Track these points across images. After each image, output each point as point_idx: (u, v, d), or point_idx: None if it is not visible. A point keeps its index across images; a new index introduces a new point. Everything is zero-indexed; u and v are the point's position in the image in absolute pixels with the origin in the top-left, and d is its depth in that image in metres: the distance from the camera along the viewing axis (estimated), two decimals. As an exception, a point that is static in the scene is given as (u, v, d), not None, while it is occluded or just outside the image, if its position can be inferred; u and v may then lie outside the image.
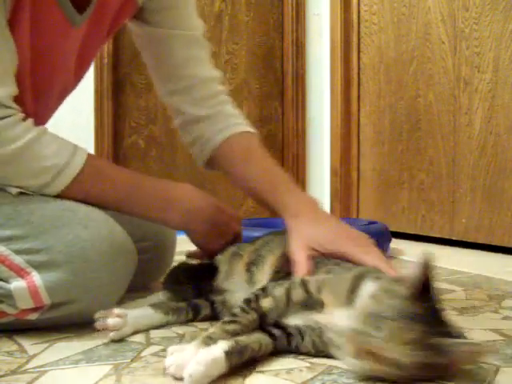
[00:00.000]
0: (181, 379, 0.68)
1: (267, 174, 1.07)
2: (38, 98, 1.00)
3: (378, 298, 0.72)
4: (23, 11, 0.89)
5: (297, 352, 0.79)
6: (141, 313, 0.91)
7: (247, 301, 0.81)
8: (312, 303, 0.79)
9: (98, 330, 0.87)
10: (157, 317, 0.92)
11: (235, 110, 1.16)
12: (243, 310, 0.79)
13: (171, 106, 1.16)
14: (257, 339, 0.75)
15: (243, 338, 0.74)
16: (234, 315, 0.79)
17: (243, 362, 0.73)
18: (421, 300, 0.70)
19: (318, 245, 0.92)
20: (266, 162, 1.10)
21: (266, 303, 0.80)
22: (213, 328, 0.76)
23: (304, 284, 0.81)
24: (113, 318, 0.86)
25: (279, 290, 0.81)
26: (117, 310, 0.87)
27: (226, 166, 1.11)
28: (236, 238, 1.08)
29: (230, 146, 1.10)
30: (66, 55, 1.03)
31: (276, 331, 0.78)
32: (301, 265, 0.89)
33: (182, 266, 1.09)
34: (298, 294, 0.80)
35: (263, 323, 0.79)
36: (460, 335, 0.71)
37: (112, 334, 0.85)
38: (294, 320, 0.79)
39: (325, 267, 0.88)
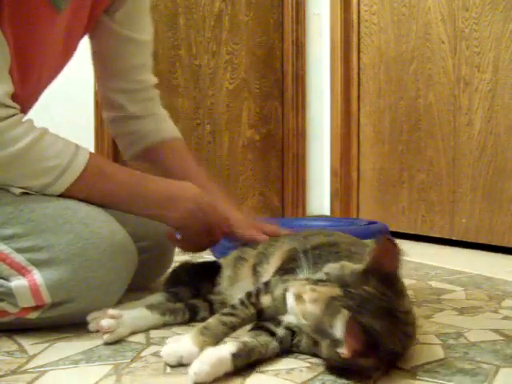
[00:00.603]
0: (172, 367, 0.74)
1: (192, 173, 1.22)
2: (25, 85, 0.99)
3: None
4: (2, 7, 0.88)
5: (297, 351, 0.79)
6: (137, 314, 0.90)
7: (248, 295, 0.83)
8: None
9: (97, 331, 0.87)
10: (153, 318, 0.92)
11: (166, 113, 1.29)
12: (242, 303, 0.81)
13: (110, 100, 1.23)
14: (264, 342, 0.76)
15: (251, 341, 0.74)
16: (233, 308, 0.81)
17: (249, 364, 0.73)
18: (362, 278, 0.72)
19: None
20: (194, 166, 1.25)
21: (265, 300, 0.82)
22: (210, 319, 0.78)
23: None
24: (106, 320, 0.85)
25: (279, 289, 0.82)
26: (111, 311, 0.86)
27: (156, 161, 1.23)
28: (222, 236, 1.09)
29: (162, 147, 1.23)
30: (52, 41, 1.02)
31: (280, 331, 0.78)
32: None
33: (185, 266, 1.09)
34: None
35: (260, 318, 0.81)
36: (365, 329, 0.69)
37: (106, 337, 0.84)
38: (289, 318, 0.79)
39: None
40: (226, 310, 0.81)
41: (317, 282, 0.74)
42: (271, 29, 2.68)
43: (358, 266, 0.75)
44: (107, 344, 0.84)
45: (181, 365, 0.74)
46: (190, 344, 0.75)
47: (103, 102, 1.26)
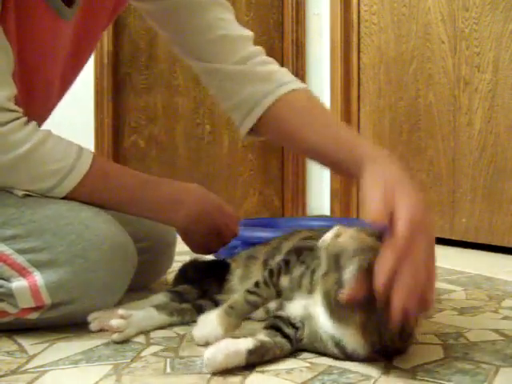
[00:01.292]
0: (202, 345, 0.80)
1: (329, 127, 0.96)
2: (31, 94, 0.99)
3: None
4: (8, 9, 0.88)
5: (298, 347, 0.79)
6: (144, 314, 0.91)
7: (270, 273, 0.85)
8: (312, 290, 0.80)
9: (99, 331, 0.87)
10: (160, 318, 0.92)
11: (281, 68, 1.05)
12: (265, 283, 0.84)
13: (206, 71, 1.05)
14: (280, 344, 0.77)
15: (269, 341, 0.76)
16: (257, 286, 0.84)
17: (261, 362, 0.75)
18: None
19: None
20: (326, 117, 1.00)
21: (284, 281, 0.84)
22: (237, 295, 0.83)
23: (312, 272, 0.82)
24: (116, 320, 0.85)
25: (297, 271, 0.84)
26: (121, 311, 0.86)
27: (281, 130, 1.01)
28: (232, 237, 1.09)
29: (284, 107, 1.00)
30: (59, 48, 1.02)
31: (288, 331, 0.79)
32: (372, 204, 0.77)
33: (194, 263, 1.09)
34: (306, 281, 0.82)
35: (278, 297, 0.84)
36: None
37: (115, 336, 0.85)
38: (296, 310, 0.81)
39: None
40: (251, 288, 0.84)
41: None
42: (271, 29, 2.68)
43: None
44: (107, 344, 0.84)
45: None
46: (215, 325, 0.80)
47: (204, 82, 1.08)
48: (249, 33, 1.07)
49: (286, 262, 0.86)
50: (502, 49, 1.82)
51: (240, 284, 0.98)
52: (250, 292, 0.83)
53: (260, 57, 1.05)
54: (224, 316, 0.80)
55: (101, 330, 0.89)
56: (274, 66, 1.05)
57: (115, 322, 0.85)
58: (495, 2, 1.83)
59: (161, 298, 0.98)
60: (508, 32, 1.80)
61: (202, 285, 1.01)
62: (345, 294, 0.69)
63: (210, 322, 0.81)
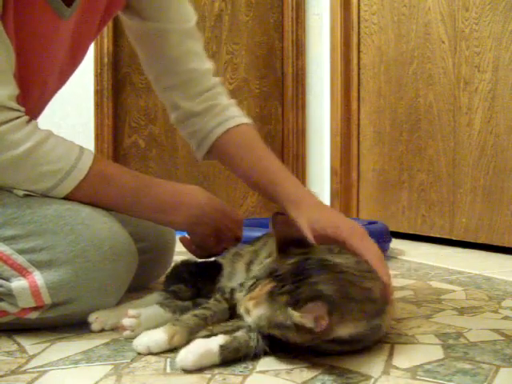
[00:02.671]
0: (147, 354, 0.78)
1: (265, 163, 1.08)
2: (27, 91, 0.99)
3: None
4: (7, 8, 0.88)
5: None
6: (152, 312, 0.91)
7: (222, 292, 0.89)
8: None
9: (101, 331, 0.87)
10: (166, 316, 0.92)
11: (231, 101, 1.16)
12: (215, 298, 0.88)
13: (167, 100, 1.16)
14: (255, 337, 0.76)
15: (242, 335, 0.76)
16: (206, 303, 0.87)
17: (239, 358, 0.74)
18: (281, 257, 0.77)
19: (320, 228, 0.91)
20: (264, 153, 1.10)
21: (240, 297, 0.84)
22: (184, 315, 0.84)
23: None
24: (128, 319, 0.86)
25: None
26: (131, 311, 0.87)
27: (225, 159, 1.13)
28: (236, 242, 1.09)
29: (229, 140, 1.12)
30: (57, 48, 1.02)
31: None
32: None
33: (186, 263, 1.09)
34: None
35: (234, 313, 0.86)
36: (315, 297, 0.70)
37: (126, 333, 0.85)
38: None
39: None
40: (200, 306, 0.87)
41: (249, 288, 0.77)
42: (271, 29, 2.68)
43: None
44: (107, 344, 0.84)
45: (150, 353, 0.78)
46: (159, 332, 0.79)
47: (166, 106, 1.19)
48: (211, 65, 1.16)
49: (240, 285, 0.88)
50: (502, 49, 1.82)
51: (228, 281, 0.98)
52: (197, 309, 0.85)
53: (216, 89, 1.15)
54: (169, 325, 0.80)
55: (102, 331, 0.89)
56: (225, 99, 1.16)
57: (127, 322, 0.86)
58: (495, 2, 1.83)
59: (156, 297, 0.98)
60: (508, 32, 1.80)
61: (195, 284, 1.01)
62: (316, 325, 0.68)
63: (154, 330, 0.80)
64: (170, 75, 1.13)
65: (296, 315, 0.68)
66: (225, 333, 0.77)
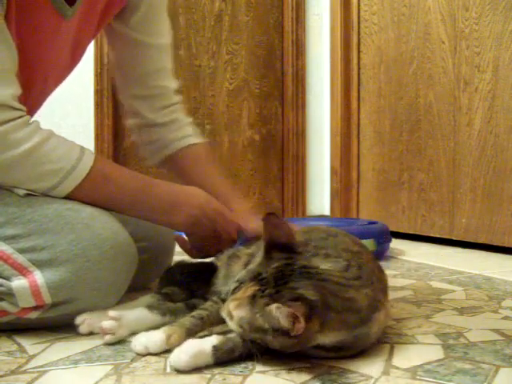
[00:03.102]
0: (144, 355, 0.78)
1: (210, 179, 1.20)
2: (30, 89, 0.99)
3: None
4: (9, 8, 0.88)
5: None
6: (137, 315, 0.90)
7: (219, 294, 0.89)
8: None
9: (89, 334, 0.87)
10: (153, 318, 0.91)
11: (188, 119, 1.27)
12: (212, 300, 0.88)
13: (130, 107, 1.23)
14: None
15: (236, 336, 0.75)
16: (203, 305, 0.88)
17: (234, 359, 0.74)
18: (267, 261, 0.76)
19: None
20: (210, 169, 1.23)
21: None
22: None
23: None
24: (107, 321, 0.85)
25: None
26: (111, 313, 0.85)
27: (178, 170, 1.23)
28: (232, 243, 1.09)
29: (184, 155, 1.22)
30: (59, 47, 1.02)
31: None
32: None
33: (180, 265, 1.09)
34: None
35: None
36: (295, 298, 0.70)
37: (107, 338, 0.84)
38: None
39: None
40: (196, 308, 0.87)
41: (233, 291, 0.77)
42: (271, 29, 2.68)
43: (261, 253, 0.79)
44: (107, 344, 0.84)
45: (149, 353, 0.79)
46: (158, 332, 0.80)
47: (125, 110, 1.25)
48: (176, 84, 1.25)
49: (237, 286, 0.87)
50: (502, 49, 1.82)
51: (224, 283, 0.98)
52: (194, 311, 0.86)
53: (178, 106, 1.25)
54: (168, 326, 0.81)
55: (90, 334, 0.89)
56: (185, 117, 1.26)
57: (107, 324, 0.84)
58: (495, 2, 1.83)
59: (147, 299, 0.98)
60: (508, 32, 1.80)
61: (189, 286, 1.01)
62: (295, 328, 0.67)
63: (153, 331, 0.81)
64: (141, 87, 1.20)
65: (271, 308, 0.67)
66: (223, 333, 0.76)
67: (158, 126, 1.21)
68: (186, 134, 1.24)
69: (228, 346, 0.74)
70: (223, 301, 0.87)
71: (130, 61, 1.18)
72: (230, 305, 0.75)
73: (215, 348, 0.73)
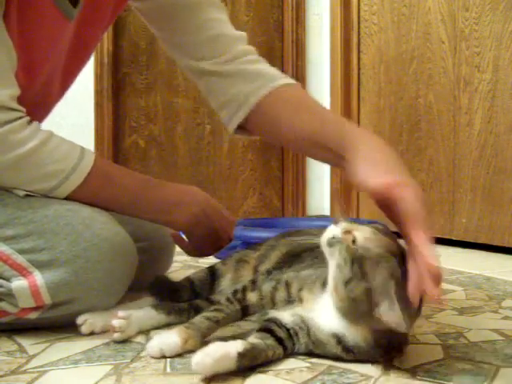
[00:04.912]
0: (159, 358, 0.77)
1: (317, 114, 0.98)
2: (31, 93, 0.98)
3: None
4: (11, 8, 0.87)
5: (292, 353, 0.78)
6: (144, 314, 0.91)
7: (234, 291, 0.85)
8: (292, 301, 0.81)
9: (90, 334, 0.87)
10: (159, 317, 0.92)
11: (271, 67, 1.07)
12: (228, 299, 0.84)
13: (197, 70, 1.07)
14: (272, 346, 0.75)
15: (259, 343, 0.74)
16: (219, 303, 0.84)
17: (253, 366, 0.73)
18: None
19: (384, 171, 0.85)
20: (314, 105, 1.00)
21: (251, 297, 0.83)
22: (196, 316, 0.81)
23: (287, 285, 0.82)
24: (117, 320, 0.85)
25: (267, 287, 0.84)
26: (120, 313, 0.86)
27: (267, 120, 1.02)
28: (228, 242, 1.09)
29: (275, 99, 1.01)
30: (59, 48, 1.02)
31: (280, 333, 0.77)
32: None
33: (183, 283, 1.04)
34: (280, 295, 0.82)
35: (245, 314, 0.83)
36: None
37: (116, 335, 0.85)
38: (285, 317, 0.79)
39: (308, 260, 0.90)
40: (211, 307, 0.84)
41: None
42: (271, 29, 2.68)
43: None
44: (107, 344, 0.84)
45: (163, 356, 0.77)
46: (172, 335, 0.78)
47: (192, 78, 1.10)
48: (241, 33, 1.07)
49: (253, 282, 0.87)
50: (502, 49, 1.82)
51: (230, 288, 0.97)
52: (209, 310, 0.82)
53: (250, 56, 1.06)
54: (182, 328, 0.78)
55: (90, 334, 0.89)
56: (263, 64, 1.06)
57: (117, 323, 0.85)
58: (495, 2, 1.83)
59: (151, 299, 0.98)
60: (508, 32, 1.80)
61: (193, 287, 1.01)
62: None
63: (167, 333, 0.79)
64: (197, 45, 1.04)
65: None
66: (237, 336, 0.75)
67: (233, 77, 1.03)
68: (269, 78, 1.03)
69: (252, 354, 0.72)
70: (238, 301, 0.84)
71: (173, 27, 1.06)
72: (364, 232, 0.75)
73: (240, 355, 0.70)
